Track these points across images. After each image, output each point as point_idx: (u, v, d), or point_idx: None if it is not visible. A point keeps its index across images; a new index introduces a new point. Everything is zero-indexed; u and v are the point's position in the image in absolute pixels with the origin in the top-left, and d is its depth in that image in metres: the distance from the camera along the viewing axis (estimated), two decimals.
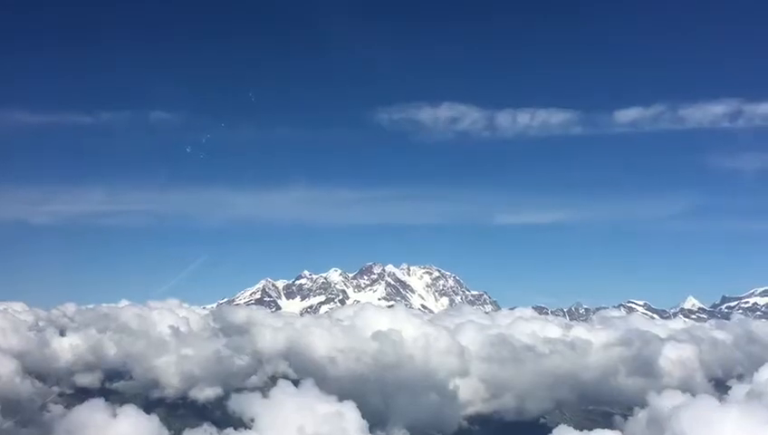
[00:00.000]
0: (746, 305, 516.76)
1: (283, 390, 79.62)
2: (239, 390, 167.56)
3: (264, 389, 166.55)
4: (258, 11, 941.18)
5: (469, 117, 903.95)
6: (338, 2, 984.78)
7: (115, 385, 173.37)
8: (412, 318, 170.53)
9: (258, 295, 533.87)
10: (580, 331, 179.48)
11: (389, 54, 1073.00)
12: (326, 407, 75.32)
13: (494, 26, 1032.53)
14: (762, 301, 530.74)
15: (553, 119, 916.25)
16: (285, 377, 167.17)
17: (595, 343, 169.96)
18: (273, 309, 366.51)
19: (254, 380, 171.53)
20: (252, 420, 73.58)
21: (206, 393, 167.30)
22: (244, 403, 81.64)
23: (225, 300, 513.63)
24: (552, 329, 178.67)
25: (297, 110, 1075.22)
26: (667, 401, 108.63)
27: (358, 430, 74.47)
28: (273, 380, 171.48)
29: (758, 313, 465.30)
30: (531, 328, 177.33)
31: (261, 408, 74.97)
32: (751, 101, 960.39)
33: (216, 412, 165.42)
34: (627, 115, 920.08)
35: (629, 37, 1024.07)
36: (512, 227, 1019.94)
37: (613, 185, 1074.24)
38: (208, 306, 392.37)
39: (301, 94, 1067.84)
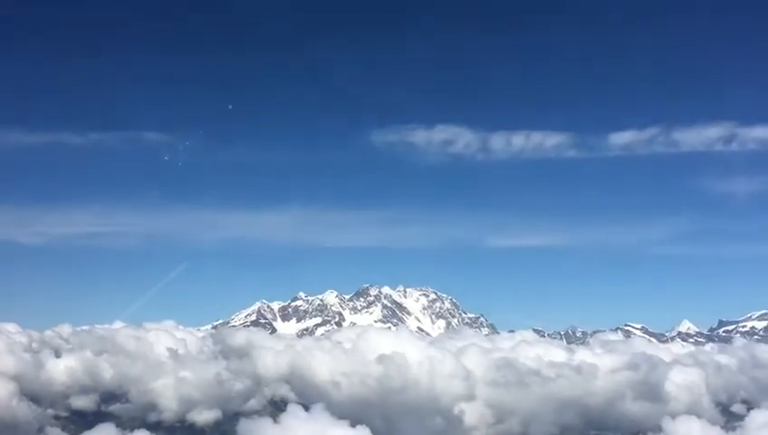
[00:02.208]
0: (744, 329, 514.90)
1: (294, 414, 76.89)
2: (238, 413, 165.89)
3: (263, 412, 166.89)
4: (252, 32, 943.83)
5: (463, 139, 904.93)
6: (333, 23, 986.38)
7: (111, 408, 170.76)
8: (416, 341, 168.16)
9: (254, 317, 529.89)
10: (585, 354, 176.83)
11: (384, 76, 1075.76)
12: (338, 432, 72.66)
13: (489, 48, 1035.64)
14: (759, 325, 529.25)
15: (548, 141, 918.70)
16: (285, 401, 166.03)
17: (601, 367, 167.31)
18: (269, 331, 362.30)
19: (252, 403, 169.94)
20: None
21: (204, 417, 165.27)
22: (253, 428, 78.83)
23: (221, 322, 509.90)
24: (556, 353, 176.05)
25: (293, 131, 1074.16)
26: (680, 426, 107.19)
27: None
28: (272, 403, 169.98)
29: (756, 337, 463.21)
30: (535, 352, 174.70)
31: (271, 433, 72.06)
32: (745, 124, 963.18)
33: None
34: (621, 138, 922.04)
35: (624, 60, 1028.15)
36: (506, 249, 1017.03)
37: (607, 208, 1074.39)
38: (203, 328, 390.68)
39: (297, 116, 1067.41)
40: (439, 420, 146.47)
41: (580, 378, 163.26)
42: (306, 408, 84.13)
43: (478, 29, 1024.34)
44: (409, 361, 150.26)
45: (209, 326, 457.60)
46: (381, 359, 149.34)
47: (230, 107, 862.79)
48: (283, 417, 78.07)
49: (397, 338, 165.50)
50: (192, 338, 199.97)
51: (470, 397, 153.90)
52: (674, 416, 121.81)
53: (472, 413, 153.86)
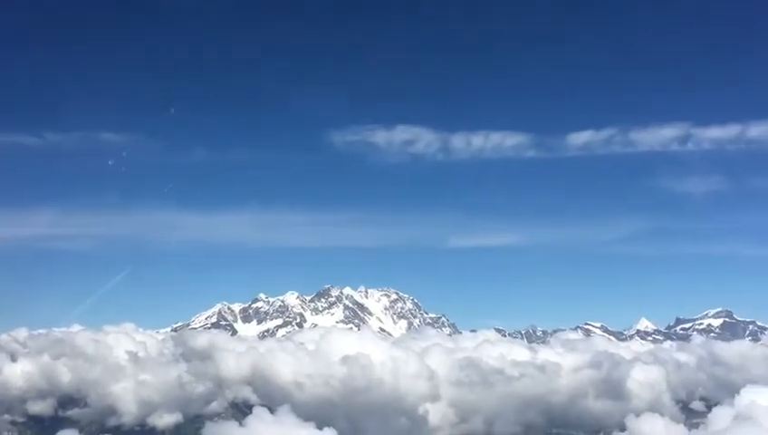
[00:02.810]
0: (701, 327, 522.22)
1: (260, 417, 75.57)
2: (199, 416, 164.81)
3: (225, 415, 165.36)
4: (209, 32, 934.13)
5: (423, 139, 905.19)
6: (292, 21, 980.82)
7: (69, 413, 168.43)
8: (379, 342, 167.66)
9: (214, 319, 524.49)
10: (548, 353, 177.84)
11: (344, 76, 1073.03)
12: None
13: (448, 50, 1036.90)
14: (716, 322, 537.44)
15: (507, 141, 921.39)
16: (247, 403, 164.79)
17: (564, 365, 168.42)
18: (230, 333, 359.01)
19: (214, 406, 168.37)
20: None
21: (165, 420, 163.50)
22: (217, 432, 77.44)
23: (180, 324, 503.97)
24: (519, 352, 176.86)
25: (252, 131, 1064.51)
26: (644, 424, 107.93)
27: None
28: (234, 406, 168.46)
29: (712, 334, 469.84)
30: (498, 351, 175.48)
31: None
32: (700, 125, 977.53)
33: None
34: (579, 138, 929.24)
35: (582, 61, 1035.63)
36: (467, 249, 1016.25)
37: (566, 208, 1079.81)
38: (163, 331, 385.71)
39: (256, 116, 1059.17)
40: (404, 420, 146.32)
41: (544, 377, 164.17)
42: (270, 410, 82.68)
43: (439, 29, 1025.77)
44: (373, 361, 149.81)
45: (169, 329, 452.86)
46: (345, 360, 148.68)
47: (172, 111, 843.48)
48: (248, 419, 76.62)
49: (360, 339, 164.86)
50: (152, 341, 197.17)
51: (434, 397, 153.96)
52: (635, 414, 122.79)
53: (436, 413, 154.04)
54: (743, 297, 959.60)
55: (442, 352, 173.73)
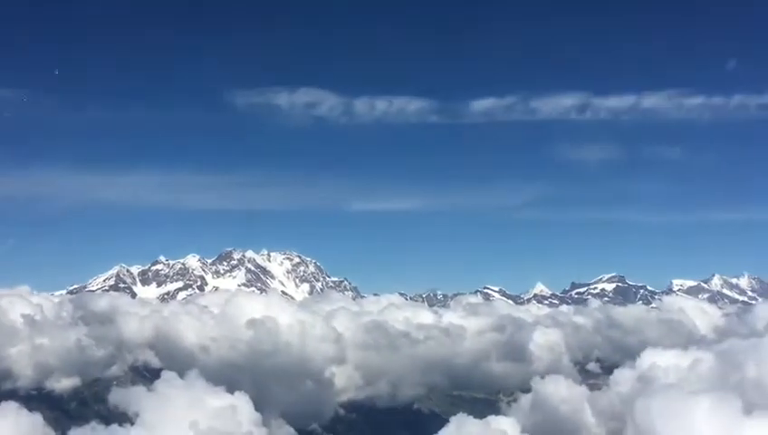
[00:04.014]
0: (595, 291, 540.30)
1: (168, 382, 73.83)
2: (97, 380, 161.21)
3: (124, 379, 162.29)
4: None
5: (327, 103, 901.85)
6: None
7: None
8: (285, 305, 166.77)
9: (112, 282, 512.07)
10: (452, 317, 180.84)
11: (248, 37, 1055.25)
12: (217, 400, 70.48)
13: (354, 13, 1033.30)
14: (609, 287, 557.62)
15: (410, 107, 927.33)
16: (148, 366, 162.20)
17: (468, 329, 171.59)
18: (129, 295, 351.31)
19: (114, 370, 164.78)
20: (136, 415, 67.47)
21: (62, 384, 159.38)
22: (124, 397, 75.37)
23: (76, 287, 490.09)
24: (425, 315, 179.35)
25: (151, 88, 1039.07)
26: (548, 385, 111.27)
27: (251, 423, 70.13)
28: (134, 369, 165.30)
29: (605, 298, 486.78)
30: (403, 314, 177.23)
31: (146, 402, 68.94)
32: (598, 94, 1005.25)
33: (72, 403, 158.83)
34: (481, 105, 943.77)
35: (485, 29, 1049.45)
36: (369, 213, 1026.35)
37: (467, 174, 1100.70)
38: (57, 293, 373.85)
39: (155, 72, 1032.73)
40: (310, 383, 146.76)
41: (448, 340, 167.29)
42: (179, 374, 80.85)
43: None
44: (280, 325, 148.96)
45: (65, 291, 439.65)
46: (251, 323, 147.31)
47: (56, 72, 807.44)
48: (157, 384, 74.73)
49: (266, 302, 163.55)
50: (49, 304, 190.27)
51: (340, 360, 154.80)
52: (536, 375, 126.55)
53: (342, 376, 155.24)
54: (634, 262, 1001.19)
55: (348, 315, 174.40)
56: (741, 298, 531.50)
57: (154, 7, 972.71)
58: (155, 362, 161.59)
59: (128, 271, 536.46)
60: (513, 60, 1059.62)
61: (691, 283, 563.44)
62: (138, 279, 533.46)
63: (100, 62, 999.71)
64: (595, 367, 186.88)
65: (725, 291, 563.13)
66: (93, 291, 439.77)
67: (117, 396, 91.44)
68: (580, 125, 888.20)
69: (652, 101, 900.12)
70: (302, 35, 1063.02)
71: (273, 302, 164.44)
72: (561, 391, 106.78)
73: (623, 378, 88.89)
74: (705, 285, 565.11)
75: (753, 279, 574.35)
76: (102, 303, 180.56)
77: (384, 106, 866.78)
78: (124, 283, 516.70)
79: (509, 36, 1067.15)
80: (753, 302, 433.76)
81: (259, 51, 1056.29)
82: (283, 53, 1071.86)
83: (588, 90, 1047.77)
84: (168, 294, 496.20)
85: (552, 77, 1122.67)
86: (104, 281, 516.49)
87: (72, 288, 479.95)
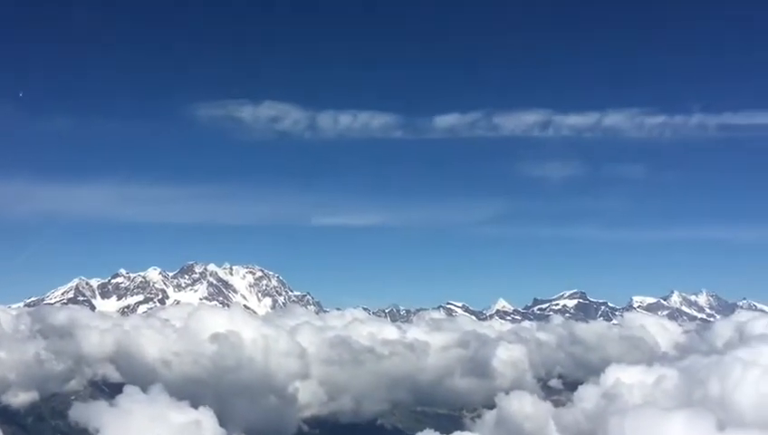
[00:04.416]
0: (557, 307, 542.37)
1: (131, 396, 72.50)
2: (56, 395, 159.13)
3: (83, 393, 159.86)
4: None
5: (291, 117, 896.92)
6: None
7: None
8: (249, 320, 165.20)
9: (71, 294, 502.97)
10: (416, 332, 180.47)
11: (210, 49, 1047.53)
12: (180, 415, 69.36)
13: (317, 26, 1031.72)
14: (570, 303, 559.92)
15: (375, 121, 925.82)
16: (107, 381, 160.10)
17: (433, 344, 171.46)
18: (88, 308, 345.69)
19: (72, 384, 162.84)
20: (97, 431, 66.10)
21: (20, 399, 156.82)
22: (85, 412, 73.89)
23: (34, 299, 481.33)
24: (389, 330, 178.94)
25: (112, 100, 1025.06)
26: (513, 401, 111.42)
27: None
28: (93, 384, 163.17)
29: (567, 314, 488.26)
30: (368, 330, 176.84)
31: (108, 417, 67.61)
32: (560, 112, 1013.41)
33: (29, 418, 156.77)
34: (445, 121, 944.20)
35: (450, 46, 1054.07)
36: (331, 228, 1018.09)
37: (430, 189, 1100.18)
38: (14, 306, 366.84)
39: (117, 84, 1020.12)
40: (274, 398, 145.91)
41: (413, 355, 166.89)
42: (142, 389, 79.61)
43: (308, 4, 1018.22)
44: (243, 339, 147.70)
45: (22, 304, 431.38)
46: (215, 338, 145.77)
47: (20, 95, 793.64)
48: (119, 398, 73.37)
49: (230, 316, 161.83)
50: (6, 316, 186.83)
51: (304, 375, 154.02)
52: (499, 391, 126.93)
53: (306, 391, 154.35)
54: (595, 279, 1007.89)
55: (312, 330, 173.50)
56: (699, 315, 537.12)
57: (114, 17, 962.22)
58: (115, 376, 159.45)
59: (87, 284, 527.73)
60: (477, 76, 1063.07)
61: (651, 300, 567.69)
62: (97, 292, 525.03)
63: (58, 73, 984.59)
64: (557, 383, 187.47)
65: (684, 308, 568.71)
66: (52, 304, 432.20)
67: (78, 411, 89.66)
68: (542, 142, 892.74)
69: (614, 119, 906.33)
70: (266, 49, 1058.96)
71: (236, 316, 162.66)
72: (526, 408, 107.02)
73: (587, 394, 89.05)
74: (665, 302, 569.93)
75: (711, 296, 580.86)
76: (61, 316, 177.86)
77: (348, 120, 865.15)
78: (83, 296, 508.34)
79: (473, 52, 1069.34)
80: (712, 319, 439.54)
81: (222, 63, 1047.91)
82: (247, 65, 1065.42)
83: (550, 107, 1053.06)
84: (128, 307, 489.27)
85: (515, 94, 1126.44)
86: (63, 294, 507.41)
87: (29, 301, 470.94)
